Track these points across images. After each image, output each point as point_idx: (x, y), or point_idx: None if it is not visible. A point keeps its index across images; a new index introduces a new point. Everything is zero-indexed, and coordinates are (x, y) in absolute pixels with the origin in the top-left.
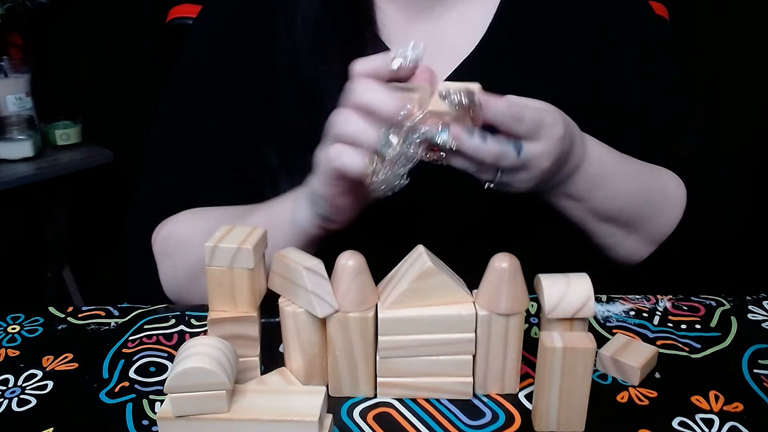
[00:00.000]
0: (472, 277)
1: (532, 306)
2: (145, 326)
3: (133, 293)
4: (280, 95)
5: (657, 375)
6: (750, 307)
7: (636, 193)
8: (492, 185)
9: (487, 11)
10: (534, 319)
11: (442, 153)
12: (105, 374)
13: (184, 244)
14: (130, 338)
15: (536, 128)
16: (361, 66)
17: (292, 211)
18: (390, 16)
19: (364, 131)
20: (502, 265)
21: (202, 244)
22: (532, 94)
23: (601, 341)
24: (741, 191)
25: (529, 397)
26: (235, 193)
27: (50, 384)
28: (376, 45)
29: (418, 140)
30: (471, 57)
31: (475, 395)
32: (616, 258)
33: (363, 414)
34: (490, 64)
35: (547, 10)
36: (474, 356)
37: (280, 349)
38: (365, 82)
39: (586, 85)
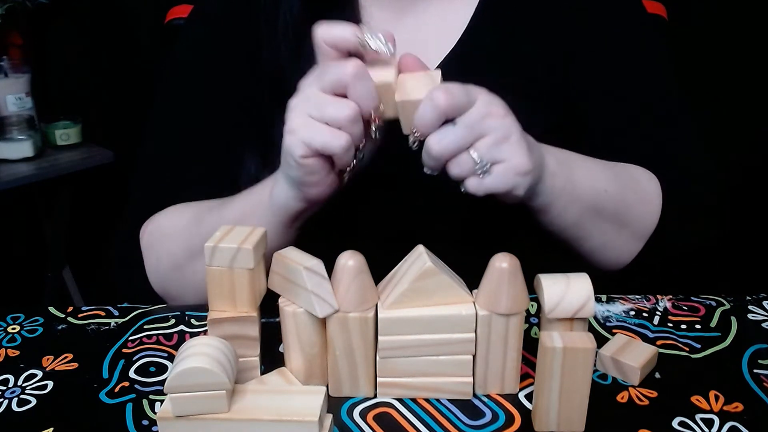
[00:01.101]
0: (472, 277)
1: (532, 306)
2: (145, 326)
3: (122, 290)
4: (265, 96)
5: (657, 375)
6: (750, 307)
7: (612, 177)
8: (484, 167)
9: (469, 5)
10: (534, 319)
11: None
12: (105, 374)
13: (166, 236)
14: (130, 338)
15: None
16: (325, 32)
17: (271, 189)
18: (374, 15)
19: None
20: (502, 265)
21: (183, 236)
22: (514, 88)
23: (601, 341)
24: (721, 184)
25: (529, 397)
26: (225, 192)
27: (50, 384)
28: None
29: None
30: (453, 51)
31: (475, 395)
32: (606, 261)
33: (363, 414)
34: (472, 58)
35: (527, 4)
36: (474, 356)
37: (280, 349)
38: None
39: (566, 78)
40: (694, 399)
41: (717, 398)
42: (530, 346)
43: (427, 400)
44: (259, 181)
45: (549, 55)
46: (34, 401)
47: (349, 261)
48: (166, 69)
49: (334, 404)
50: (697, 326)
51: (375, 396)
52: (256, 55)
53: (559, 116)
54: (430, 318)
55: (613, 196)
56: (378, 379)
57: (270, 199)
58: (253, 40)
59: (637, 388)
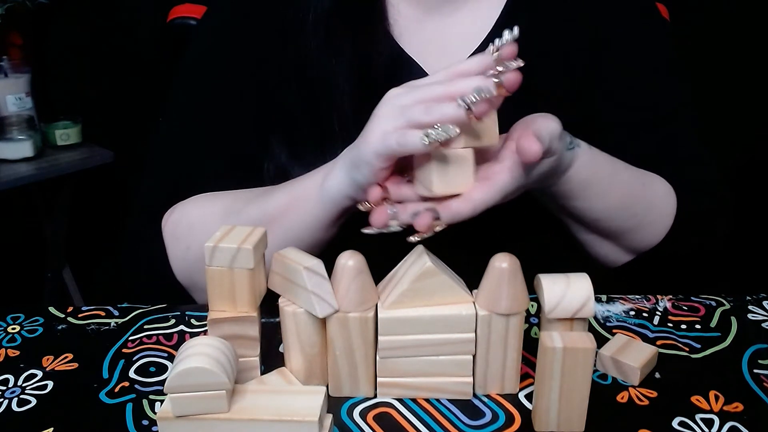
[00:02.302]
0: (472, 277)
1: (532, 306)
2: (145, 326)
3: (131, 276)
4: (290, 89)
5: (657, 375)
6: (750, 307)
7: (619, 208)
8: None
9: (495, 8)
10: (534, 319)
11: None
12: (105, 374)
13: (198, 226)
14: (130, 338)
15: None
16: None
17: (323, 180)
18: (402, 12)
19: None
20: (502, 265)
21: (220, 225)
22: (535, 89)
23: (601, 341)
24: (730, 195)
25: (529, 397)
26: (243, 183)
27: (50, 384)
28: (387, 40)
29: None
30: (477, 52)
31: (475, 395)
32: (594, 256)
33: (363, 414)
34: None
35: (550, 7)
36: (474, 356)
37: (280, 349)
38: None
39: (584, 81)
40: (694, 399)
41: (717, 398)
42: (530, 346)
43: (427, 400)
44: (287, 171)
45: (571, 56)
46: (34, 401)
47: (349, 261)
48: (183, 60)
49: (334, 404)
50: (697, 326)
51: (375, 396)
52: (281, 45)
53: (577, 116)
54: (430, 318)
55: (608, 224)
56: (378, 379)
57: (320, 193)
58: (278, 29)
59: (637, 388)
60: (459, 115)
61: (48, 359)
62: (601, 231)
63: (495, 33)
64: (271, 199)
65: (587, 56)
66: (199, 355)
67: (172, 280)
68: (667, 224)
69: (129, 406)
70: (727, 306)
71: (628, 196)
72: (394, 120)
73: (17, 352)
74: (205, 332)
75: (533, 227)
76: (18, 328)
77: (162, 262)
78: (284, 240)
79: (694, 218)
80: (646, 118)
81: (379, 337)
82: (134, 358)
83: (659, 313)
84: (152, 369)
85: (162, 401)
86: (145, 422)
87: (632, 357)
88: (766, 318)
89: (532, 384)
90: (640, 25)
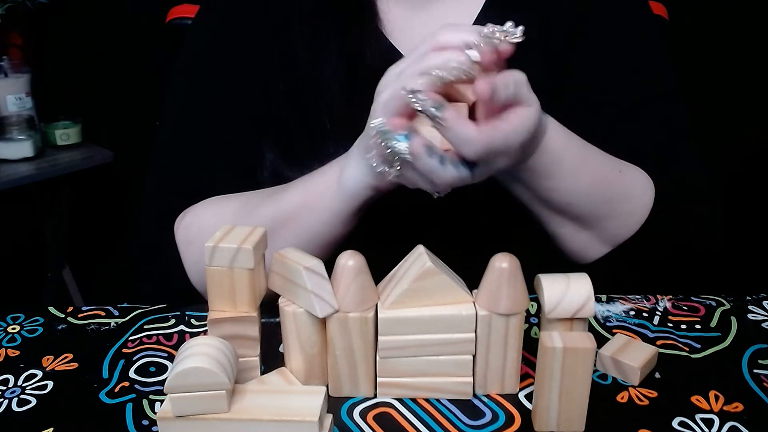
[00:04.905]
0: (472, 277)
1: (532, 306)
2: (145, 326)
3: (145, 286)
4: (279, 88)
5: (657, 375)
6: (750, 307)
7: (592, 191)
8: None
9: (478, 1)
10: (534, 319)
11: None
12: (105, 374)
13: (211, 229)
14: (130, 338)
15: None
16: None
17: (339, 175)
18: (391, 9)
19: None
20: (502, 265)
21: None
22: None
23: (601, 341)
24: (716, 192)
25: (529, 397)
26: (247, 183)
27: (50, 384)
28: (377, 37)
29: (379, 141)
30: None
31: (475, 395)
32: (569, 251)
33: (363, 414)
34: None
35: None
36: (474, 356)
37: (280, 349)
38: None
39: (563, 72)
40: (694, 399)
41: (717, 398)
42: (530, 346)
43: (427, 400)
44: (278, 171)
45: (552, 49)
46: (34, 401)
47: (349, 261)
48: (177, 63)
49: (334, 404)
50: (697, 326)
51: (375, 396)
52: (270, 44)
53: (557, 107)
54: (430, 318)
55: (580, 208)
56: (378, 379)
57: (338, 187)
58: (267, 28)
59: (637, 388)
60: (456, 62)
61: (48, 359)
62: (576, 217)
63: (480, 19)
64: (284, 198)
65: (567, 47)
66: (199, 355)
67: (189, 286)
68: (644, 215)
69: (129, 406)
70: (727, 306)
71: (603, 179)
72: (392, 88)
73: (17, 352)
74: (205, 332)
75: (533, 227)
76: (18, 328)
77: (178, 269)
78: (301, 237)
79: (674, 212)
80: (627, 106)
81: (379, 337)
82: (134, 358)
83: (659, 313)
84: (152, 369)
85: (162, 401)
86: (145, 422)
87: (632, 357)
88: (766, 318)
89: (532, 384)
90: (623, 13)
